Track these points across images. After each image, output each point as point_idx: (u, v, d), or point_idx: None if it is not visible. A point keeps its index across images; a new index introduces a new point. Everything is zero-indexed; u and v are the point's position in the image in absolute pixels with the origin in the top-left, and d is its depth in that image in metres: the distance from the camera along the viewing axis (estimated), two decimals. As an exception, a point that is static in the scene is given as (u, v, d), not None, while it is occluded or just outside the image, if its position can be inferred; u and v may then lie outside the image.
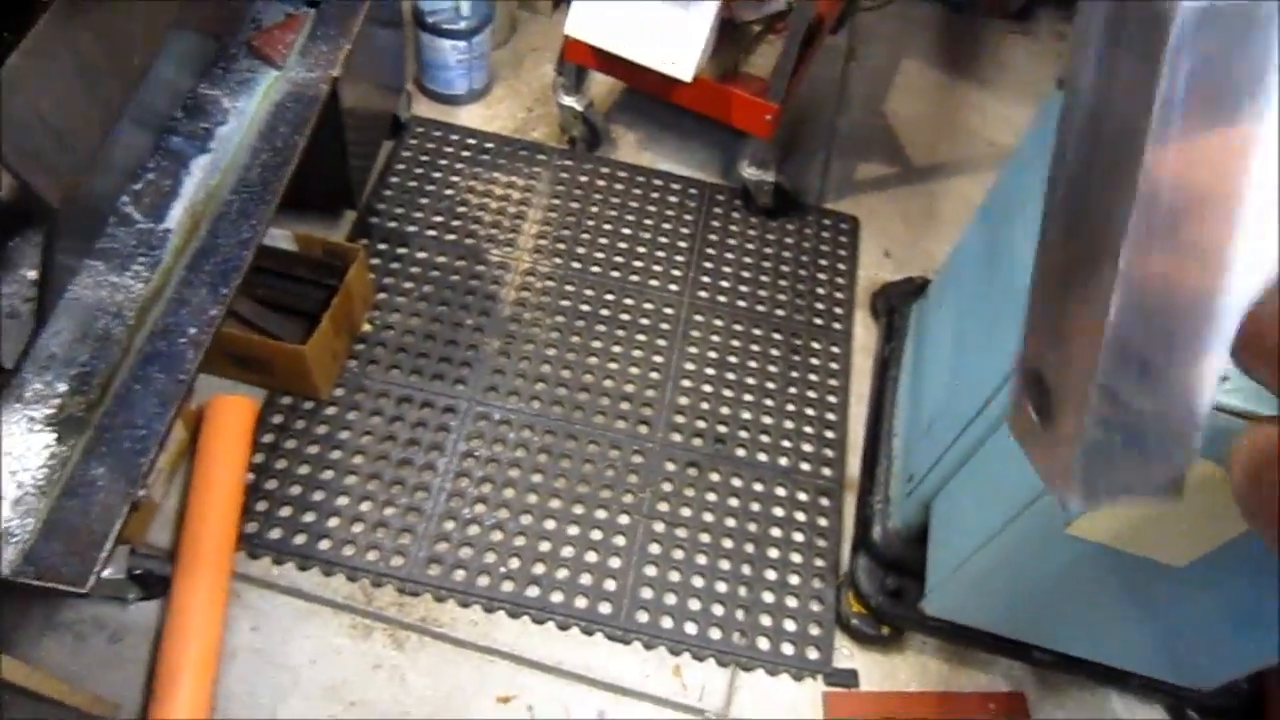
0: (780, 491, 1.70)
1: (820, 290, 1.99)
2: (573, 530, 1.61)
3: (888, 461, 1.65)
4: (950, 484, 1.36)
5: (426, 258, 1.90)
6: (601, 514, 1.63)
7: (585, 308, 1.88)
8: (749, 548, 1.63)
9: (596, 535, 1.61)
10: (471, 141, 2.11)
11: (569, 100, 2.04)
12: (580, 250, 1.96)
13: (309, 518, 1.57)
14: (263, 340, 1.61)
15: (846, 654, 1.56)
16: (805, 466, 1.74)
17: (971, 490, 1.29)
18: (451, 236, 1.95)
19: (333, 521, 1.57)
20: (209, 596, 1.43)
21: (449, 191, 2.02)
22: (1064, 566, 1.13)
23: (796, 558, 1.63)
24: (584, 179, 2.08)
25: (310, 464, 1.63)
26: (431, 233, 1.94)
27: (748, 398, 1.81)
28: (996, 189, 1.54)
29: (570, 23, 1.81)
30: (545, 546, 1.59)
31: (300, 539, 1.55)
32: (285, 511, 1.57)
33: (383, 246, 1.91)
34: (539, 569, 1.56)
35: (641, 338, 1.85)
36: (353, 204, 1.90)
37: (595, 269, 1.94)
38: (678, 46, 1.75)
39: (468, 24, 2.03)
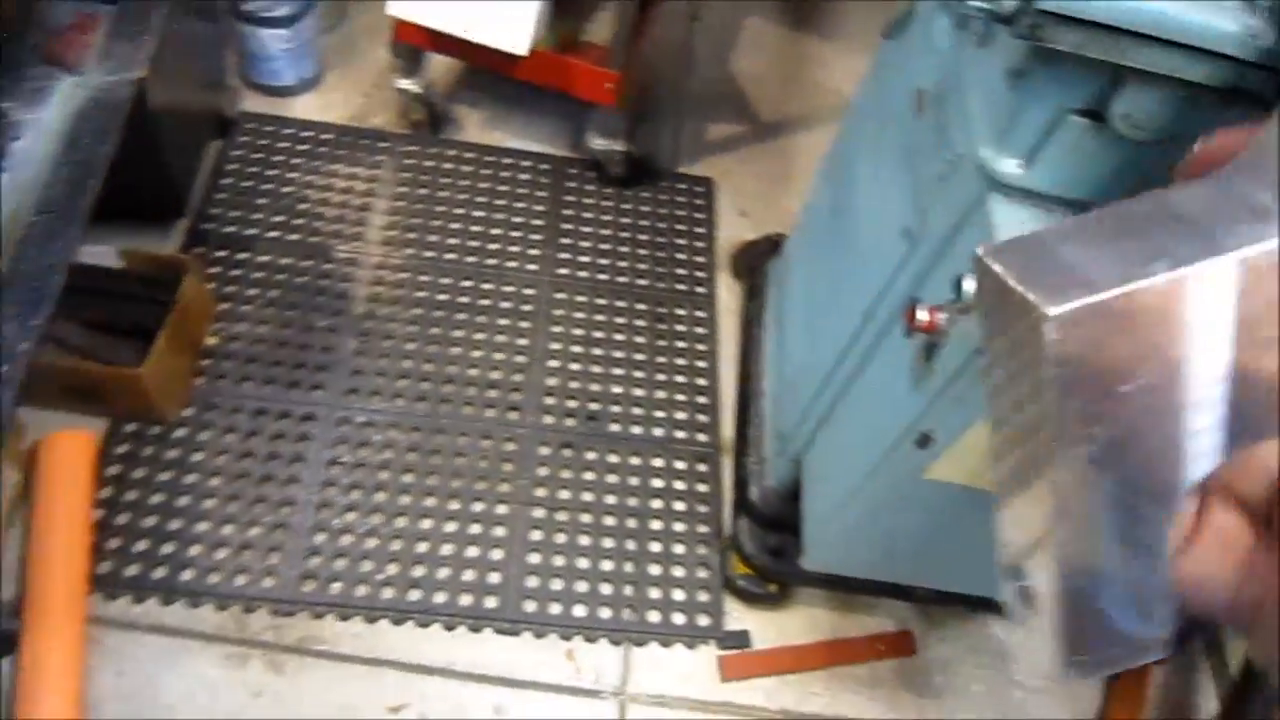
0: (657, 462, 1.69)
1: (680, 256, 1.98)
2: (450, 527, 1.57)
3: (759, 421, 1.66)
4: (816, 439, 1.38)
5: (270, 260, 1.81)
6: (478, 507, 1.60)
7: (442, 297, 1.82)
8: (631, 523, 1.62)
9: (475, 529, 1.57)
10: (307, 134, 2.01)
11: (406, 83, 1.96)
12: (432, 238, 1.90)
13: (168, 548, 1.49)
14: (95, 367, 1.51)
15: (737, 616, 1.57)
16: (680, 434, 1.73)
17: (835, 444, 1.31)
18: (295, 236, 1.86)
19: (195, 549, 1.49)
20: (64, 647, 1.34)
21: (288, 189, 1.92)
22: (928, 509, 1.16)
23: (680, 526, 1.63)
24: (430, 164, 2.01)
25: (164, 492, 1.54)
26: (273, 234, 1.85)
27: (617, 371, 1.79)
28: (836, 142, 1.55)
29: (393, 2, 1.73)
30: (423, 547, 1.54)
31: (161, 572, 1.47)
32: (142, 545, 1.48)
33: (221, 253, 1.81)
34: (419, 571, 1.52)
35: (503, 322, 1.81)
36: (181, 212, 1.80)
37: (449, 256, 1.88)
38: (510, 20, 1.70)
39: (289, 10, 1.93)
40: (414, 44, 1.87)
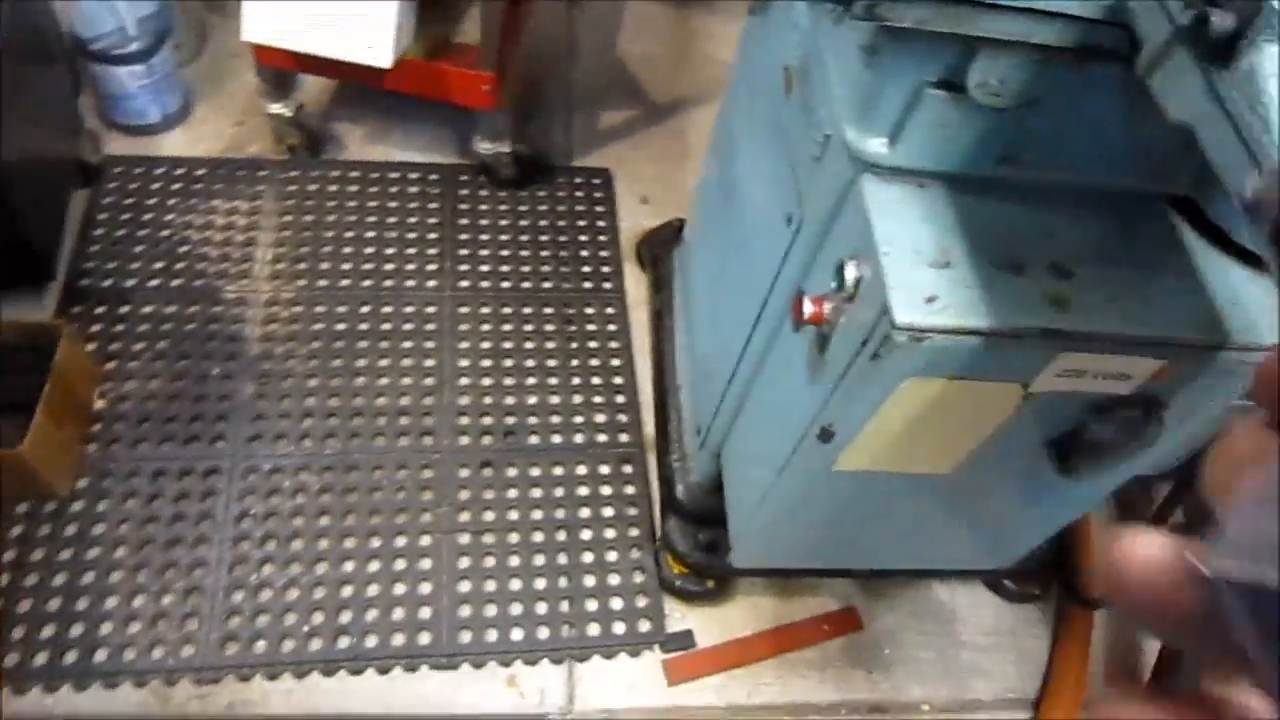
0: (581, 470, 1.65)
1: (584, 253, 1.93)
2: (374, 567, 1.52)
3: (677, 416, 1.62)
4: (731, 434, 1.35)
5: (154, 311, 1.73)
6: (401, 541, 1.54)
7: (341, 326, 1.75)
8: (561, 536, 1.58)
9: (400, 565, 1.52)
10: (180, 171, 1.92)
11: (277, 108, 1.88)
12: (324, 266, 1.83)
13: (77, 630, 1.41)
14: (-29, 451, 1.42)
15: (679, 616, 1.54)
16: (601, 437, 1.69)
17: (748, 439, 1.28)
18: (178, 282, 1.77)
19: (105, 628, 1.42)
20: (-28, 751, 1.27)
21: (165, 232, 1.83)
22: (845, 498, 1.13)
23: (610, 533, 1.59)
24: (313, 188, 1.93)
25: (66, 571, 1.46)
26: (154, 282, 1.76)
27: (531, 381, 1.74)
28: (718, 119, 1.51)
29: (245, 27, 1.65)
30: (348, 591, 1.49)
31: (71, 656, 1.39)
32: (48, 631, 1.41)
33: (100, 309, 1.72)
34: (346, 617, 1.47)
35: (408, 345, 1.75)
36: (52, 272, 1.70)
37: (344, 283, 1.81)
38: (370, 31, 1.63)
39: (141, 45, 1.83)
40: (277, 67, 1.79)
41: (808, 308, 0.96)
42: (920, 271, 0.86)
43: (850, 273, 0.91)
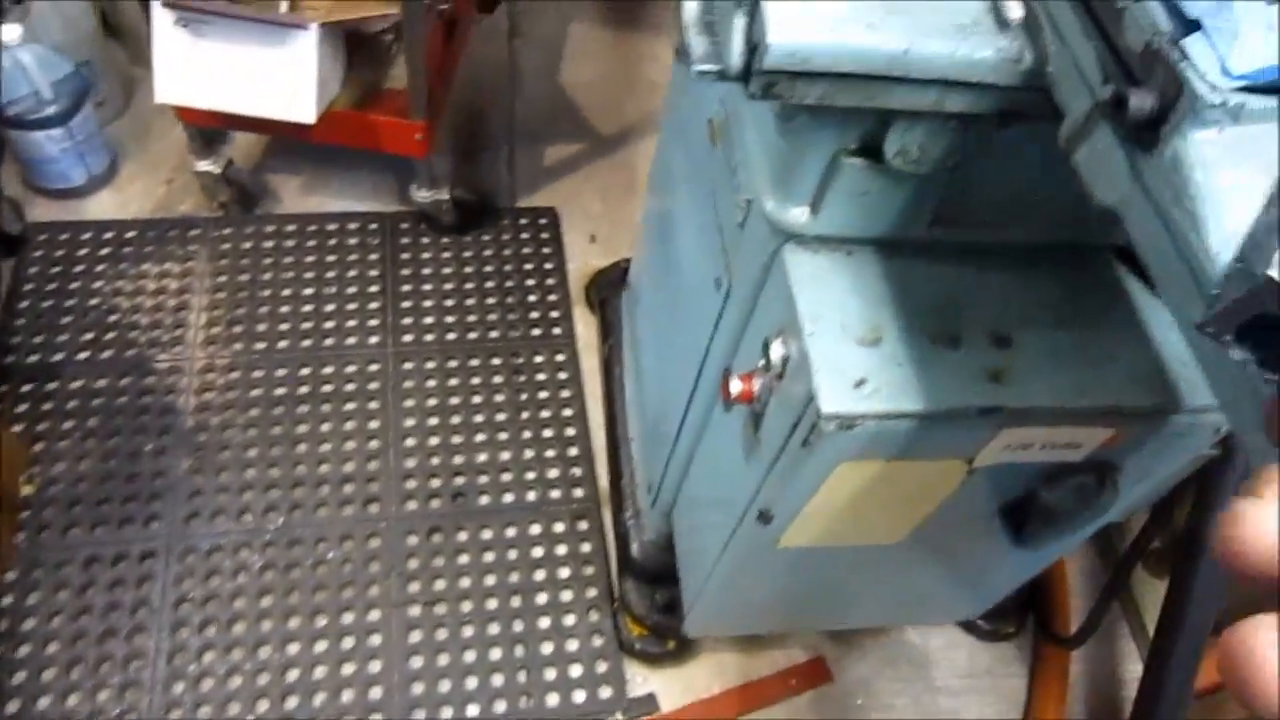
0: (535, 529, 1.59)
1: (532, 298, 1.87)
2: (320, 646, 1.45)
3: (630, 470, 1.57)
4: (679, 498, 1.29)
5: (83, 385, 1.66)
6: (348, 618, 1.48)
7: (280, 391, 1.69)
8: (515, 601, 1.52)
9: (348, 643, 1.46)
10: (108, 235, 1.85)
11: (206, 165, 1.81)
12: (261, 328, 1.76)
13: (7, 735, 1.35)
14: (-115, 554, 1.35)
15: (641, 679, 1.49)
16: (555, 493, 1.63)
17: (694, 506, 1.22)
18: (108, 353, 1.70)
19: (37, 730, 1.35)
20: None
21: (94, 301, 1.76)
22: (793, 571, 1.08)
23: (567, 595, 1.53)
24: (248, 245, 1.86)
25: (-5, 671, 1.39)
26: (83, 355, 1.69)
27: (480, 438, 1.68)
28: (657, 151, 1.45)
29: (159, 88, 1.58)
30: (294, 675, 1.42)
31: (2, 764, 1.33)
32: (-24, 737, 1.34)
33: (27, 387, 1.65)
34: (292, 703, 1.40)
35: (351, 406, 1.69)
36: (-29, 352, 1.63)
37: (282, 344, 1.74)
38: (290, 86, 1.56)
39: (59, 107, 1.76)
40: (202, 125, 1.72)
41: (735, 386, 0.90)
42: (849, 350, 0.80)
43: (776, 351, 0.85)
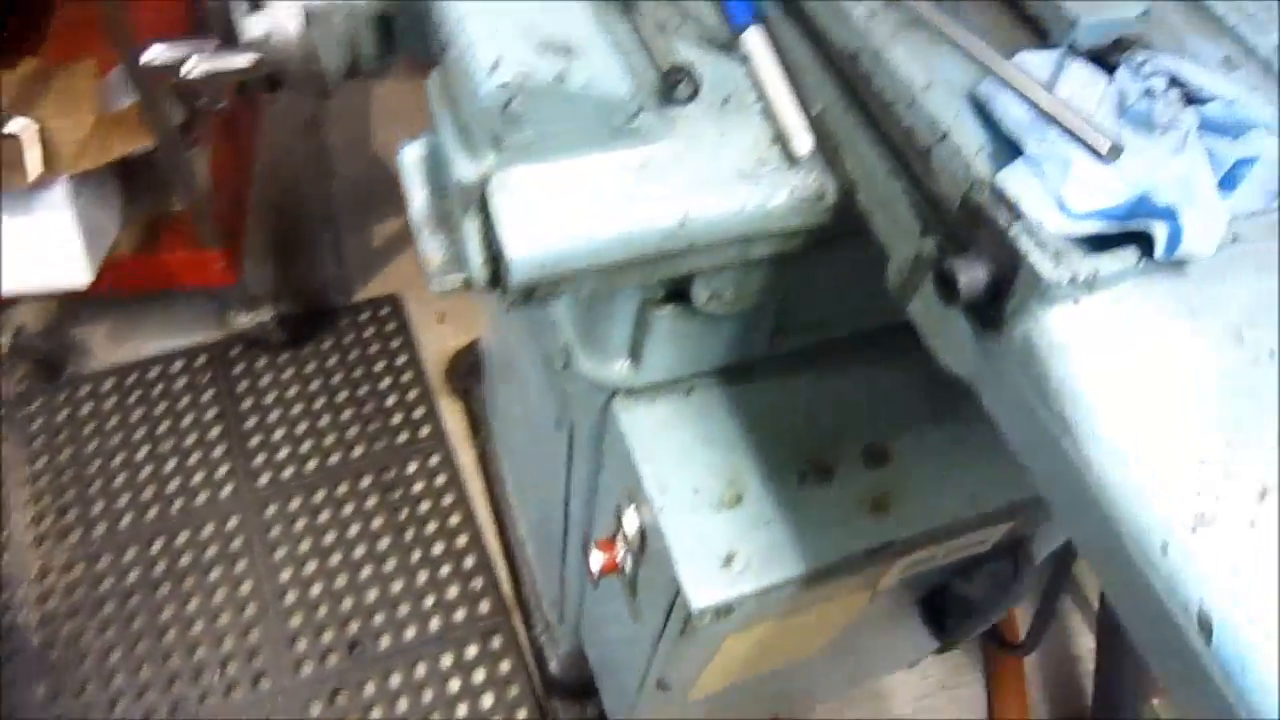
0: (446, 661, 1.47)
1: (390, 401, 1.72)
2: None
3: (530, 576, 1.45)
4: (583, 614, 1.18)
5: (-96, 626, 1.46)
6: (261, 819, 1.34)
7: (132, 577, 1.52)
8: (441, 749, 1.40)
9: None
10: (-102, 443, 1.64)
11: (-9, 339, 1.61)
12: (96, 509, 1.58)
13: None
14: None
15: (592, 799, 1.38)
16: (459, 615, 1.51)
17: (600, 640, 1.11)
18: (-76, 581, 1.50)
19: None
20: None
21: (-103, 523, 1.56)
22: (721, 700, 0.98)
23: (495, 728, 1.42)
24: (62, 417, 1.67)
25: None
26: (-104, 591, 1.49)
27: (365, 574, 1.54)
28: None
29: (-97, 287, 1.38)
30: None
31: None
32: None
33: None
34: None
35: (215, 574, 1.52)
36: None
37: (124, 522, 1.57)
38: (54, 250, 1.38)
39: None
40: (-30, 303, 1.52)
41: (597, 560, 0.79)
42: (708, 520, 0.70)
43: (630, 522, 0.74)
